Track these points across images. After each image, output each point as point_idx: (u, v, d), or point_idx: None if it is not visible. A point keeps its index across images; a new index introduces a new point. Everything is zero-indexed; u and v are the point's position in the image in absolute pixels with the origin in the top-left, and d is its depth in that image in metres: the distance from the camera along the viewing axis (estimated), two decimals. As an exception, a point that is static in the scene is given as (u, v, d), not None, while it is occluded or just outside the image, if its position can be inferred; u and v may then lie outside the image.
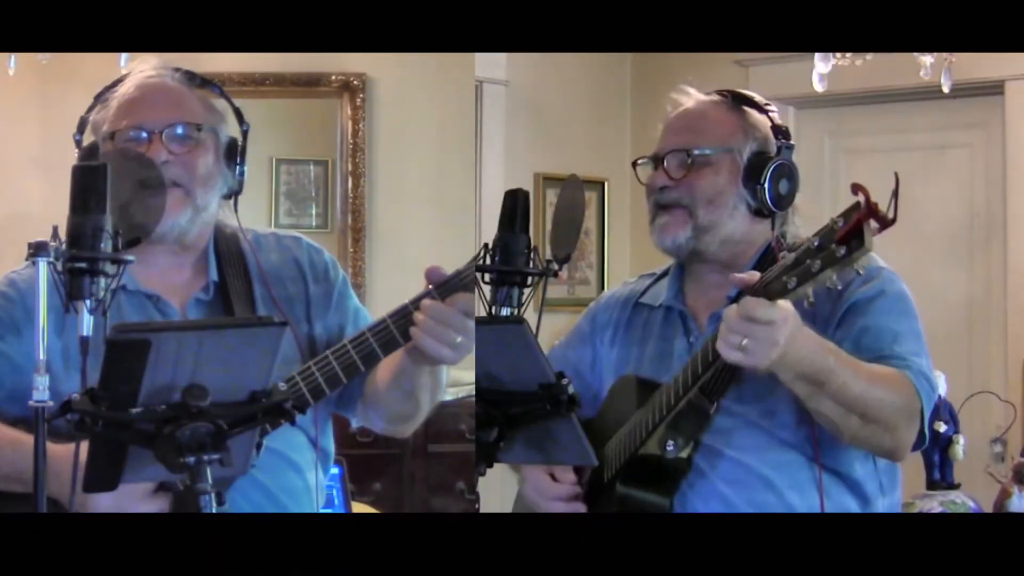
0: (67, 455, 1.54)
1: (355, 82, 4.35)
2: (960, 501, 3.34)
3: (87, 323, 1.52)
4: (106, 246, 1.53)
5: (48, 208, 3.79)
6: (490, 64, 4.72)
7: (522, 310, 1.72)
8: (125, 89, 2.03)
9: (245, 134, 2.10)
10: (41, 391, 1.47)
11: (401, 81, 4.41)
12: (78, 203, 1.53)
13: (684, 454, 1.98)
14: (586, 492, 2.10)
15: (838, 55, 3.58)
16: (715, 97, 2.13)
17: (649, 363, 2.12)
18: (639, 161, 2.16)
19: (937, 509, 3.30)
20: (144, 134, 1.99)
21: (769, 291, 1.74)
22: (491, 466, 1.67)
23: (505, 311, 1.71)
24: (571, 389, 1.64)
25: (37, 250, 1.49)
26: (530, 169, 4.94)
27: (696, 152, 2.06)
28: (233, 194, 2.08)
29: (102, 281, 1.53)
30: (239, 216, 2.08)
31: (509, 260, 1.72)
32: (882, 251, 1.92)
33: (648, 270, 2.28)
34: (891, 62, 3.88)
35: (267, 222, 4.42)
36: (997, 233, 4.54)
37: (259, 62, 4.19)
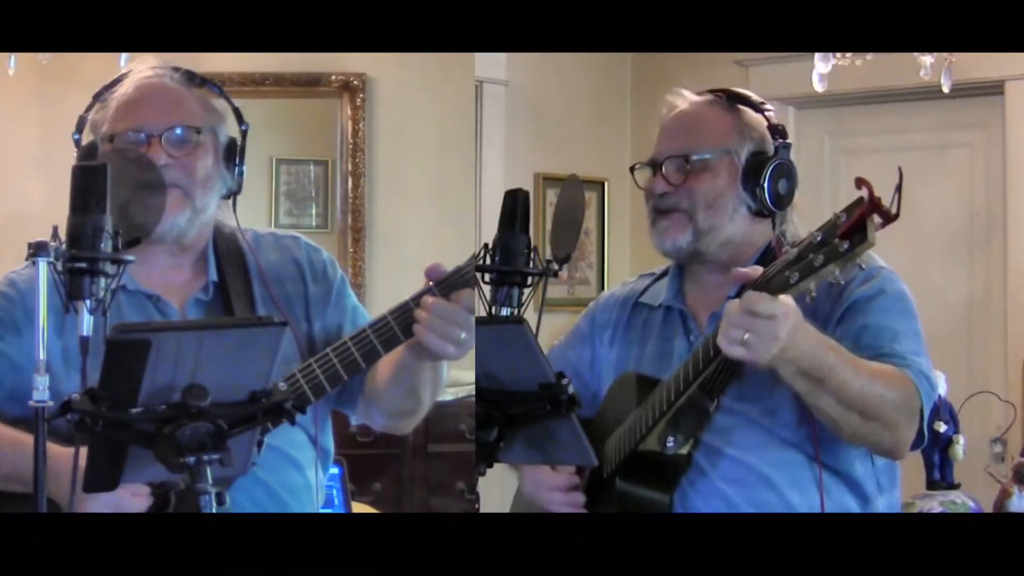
0: (66, 456, 1.54)
1: (355, 82, 4.35)
2: (960, 501, 3.33)
3: (87, 323, 1.52)
4: (106, 246, 1.53)
5: (48, 208, 3.79)
6: (490, 64, 4.71)
7: (522, 310, 1.72)
8: (124, 90, 2.02)
9: (244, 134, 2.10)
10: (41, 391, 1.47)
11: (401, 81, 4.40)
12: (78, 203, 1.53)
13: (684, 450, 1.98)
14: (585, 487, 2.10)
15: (838, 55, 3.58)
16: (710, 97, 2.13)
17: (649, 363, 2.12)
18: (636, 166, 2.15)
19: (937, 509, 3.30)
20: (143, 137, 1.99)
21: (771, 286, 1.73)
22: (491, 466, 1.67)
23: (505, 311, 1.71)
24: (571, 389, 1.64)
25: (37, 250, 1.49)
26: (530, 169, 4.93)
27: (694, 157, 2.06)
28: (232, 194, 2.08)
29: (102, 281, 1.53)
30: (238, 216, 2.08)
31: (509, 260, 1.72)
32: (882, 251, 1.92)
33: (648, 270, 2.28)
34: (891, 62, 3.88)
35: (267, 222, 4.42)
36: (997, 233, 4.54)
37: (259, 62, 4.18)
